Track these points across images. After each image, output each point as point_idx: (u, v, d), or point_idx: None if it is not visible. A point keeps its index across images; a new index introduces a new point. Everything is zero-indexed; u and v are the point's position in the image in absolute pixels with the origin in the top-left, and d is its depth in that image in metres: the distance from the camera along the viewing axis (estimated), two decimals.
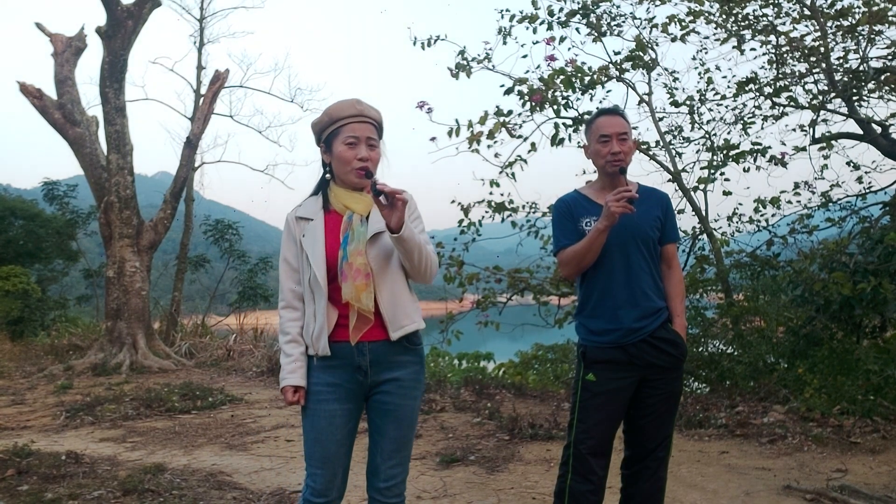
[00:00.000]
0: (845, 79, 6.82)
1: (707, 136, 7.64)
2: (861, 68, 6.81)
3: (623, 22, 7.29)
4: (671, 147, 7.42)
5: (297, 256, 2.19)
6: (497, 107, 6.38)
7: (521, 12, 6.82)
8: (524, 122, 6.49)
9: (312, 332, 2.13)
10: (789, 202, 7.10)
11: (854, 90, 6.80)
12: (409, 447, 2.22)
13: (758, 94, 7.36)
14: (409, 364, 2.19)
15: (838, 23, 6.69)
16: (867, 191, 7.15)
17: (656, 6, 7.18)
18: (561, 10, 6.97)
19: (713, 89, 7.52)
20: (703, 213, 7.16)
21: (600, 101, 7.08)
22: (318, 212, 2.21)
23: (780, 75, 7.28)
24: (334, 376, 2.14)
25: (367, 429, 2.25)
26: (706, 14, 7.06)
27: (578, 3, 7.02)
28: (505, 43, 6.86)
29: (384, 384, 2.16)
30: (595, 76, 6.54)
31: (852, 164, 7.27)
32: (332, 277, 2.12)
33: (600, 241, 2.39)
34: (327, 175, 2.26)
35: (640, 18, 7.31)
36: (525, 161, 6.53)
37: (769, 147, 6.91)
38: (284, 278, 2.22)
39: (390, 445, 2.17)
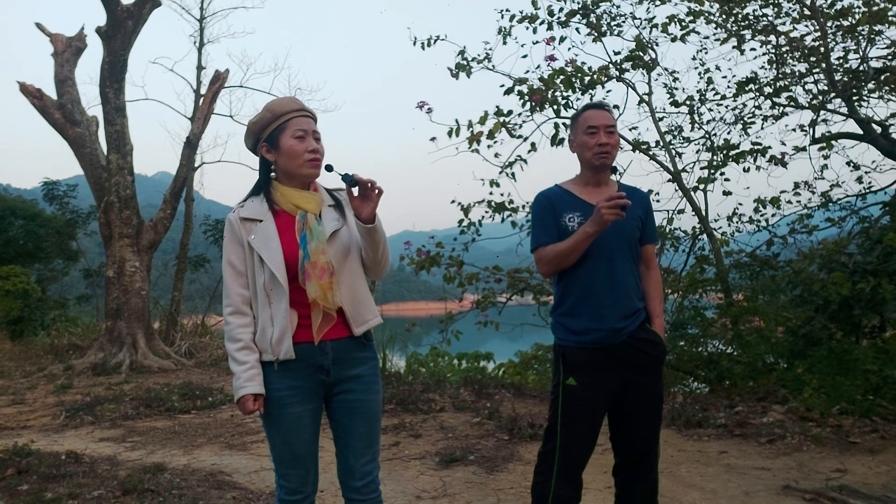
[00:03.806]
0: (845, 79, 6.82)
1: (707, 136, 7.64)
2: (861, 68, 6.81)
3: (623, 22, 7.30)
4: (671, 147, 7.42)
5: (244, 259, 2.12)
6: (497, 107, 6.39)
7: (521, 12, 6.83)
8: (524, 122, 6.49)
9: (271, 336, 2.06)
10: (789, 202, 7.12)
11: (854, 90, 6.80)
12: (378, 442, 2.22)
13: (758, 94, 7.36)
14: (368, 360, 2.19)
15: (838, 23, 6.69)
16: (867, 191, 7.16)
17: (656, 6, 7.18)
18: (561, 10, 6.99)
19: (713, 89, 7.53)
20: (703, 213, 7.16)
21: None
22: (267, 213, 2.13)
23: (780, 75, 7.28)
24: (295, 379, 2.09)
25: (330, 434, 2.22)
26: (706, 14, 7.07)
27: (578, 3, 7.03)
28: (505, 43, 6.87)
29: (346, 382, 2.14)
30: (595, 76, 6.54)
31: (852, 164, 7.28)
32: (292, 278, 2.07)
33: (587, 244, 2.33)
34: (272, 174, 2.21)
35: (640, 18, 7.33)
36: (525, 161, 6.54)
37: (769, 147, 6.93)
38: (231, 282, 2.12)
39: (361, 443, 2.15)
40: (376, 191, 2.05)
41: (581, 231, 2.33)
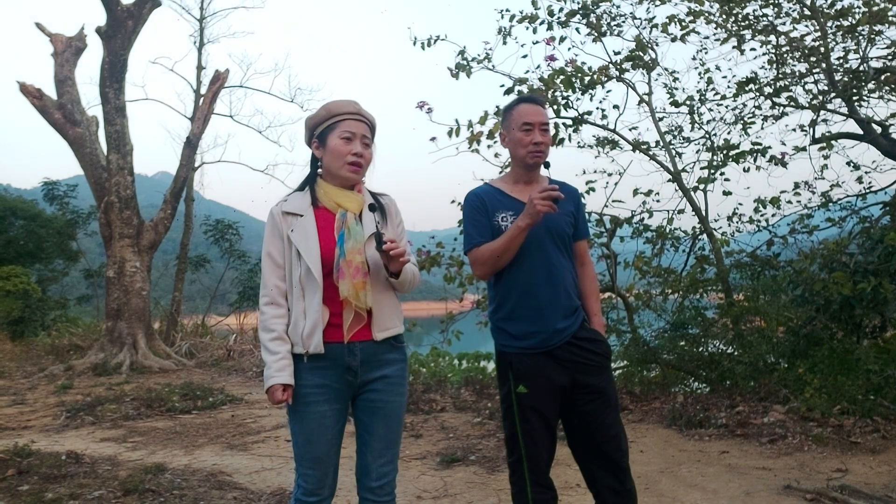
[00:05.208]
0: (845, 79, 6.82)
1: (707, 136, 7.64)
2: (861, 68, 6.81)
3: (623, 22, 7.28)
4: (671, 147, 7.41)
5: (283, 252, 2.15)
6: (497, 107, 6.37)
7: (521, 12, 6.82)
8: None
9: (303, 329, 2.09)
10: (789, 202, 7.11)
11: (854, 90, 6.80)
12: (398, 445, 2.22)
13: (758, 94, 7.36)
14: (396, 362, 2.20)
15: (838, 23, 6.69)
16: (867, 191, 7.16)
17: (656, 6, 7.17)
18: (561, 10, 6.97)
19: (713, 89, 7.53)
20: (703, 213, 7.15)
21: (600, 101, 7.11)
22: (308, 208, 2.18)
23: (780, 75, 7.28)
24: (323, 377, 2.11)
25: (353, 431, 2.23)
26: (706, 14, 7.06)
27: (578, 3, 7.02)
28: (505, 43, 6.86)
29: (372, 382, 2.16)
30: (595, 76, 6.54)
31: (852, 164, 7.28)
32: (326, 274, 2.10)
33: (520, 239, 2.27)
34: (319, 170, 2.26)
35: (640, 18, 7.31)
36: None
37: (769, 147, 6.92)
38: (268, 273, 2.16)
39: (380, 443, 2.17)
40: (398, 260, 2.09)
41: (514, 226, 2.27)
